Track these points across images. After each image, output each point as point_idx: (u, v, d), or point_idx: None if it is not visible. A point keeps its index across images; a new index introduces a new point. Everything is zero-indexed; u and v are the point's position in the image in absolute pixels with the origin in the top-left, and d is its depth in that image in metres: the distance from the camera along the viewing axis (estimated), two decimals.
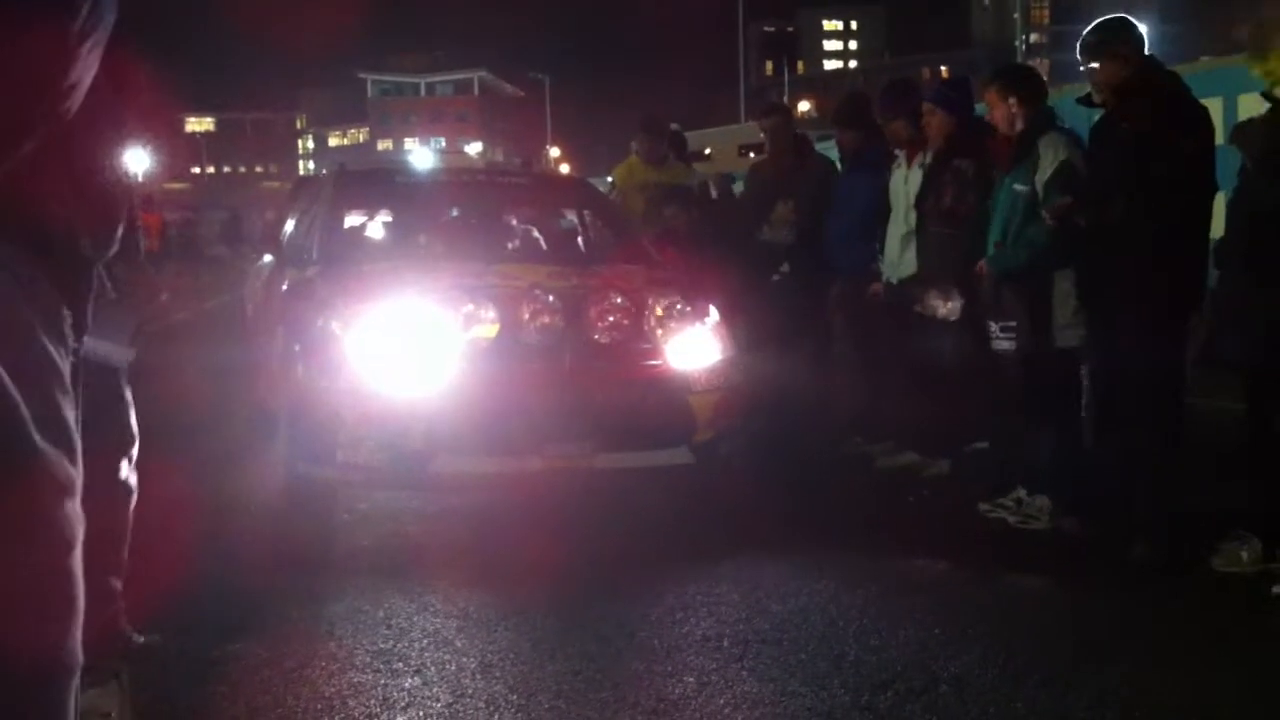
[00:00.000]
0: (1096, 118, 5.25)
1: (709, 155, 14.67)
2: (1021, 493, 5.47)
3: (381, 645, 3.92)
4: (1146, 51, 5.05)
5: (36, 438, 0.91)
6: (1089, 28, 5.16)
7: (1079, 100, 5.42)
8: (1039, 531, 5.28)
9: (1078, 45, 5.11)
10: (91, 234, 2.01)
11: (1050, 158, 5.26)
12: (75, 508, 0.98)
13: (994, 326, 5.47)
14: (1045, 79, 6.58)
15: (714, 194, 8.71)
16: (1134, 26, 5.10)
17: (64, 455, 0.94)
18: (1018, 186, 5.36)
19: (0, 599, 0.87)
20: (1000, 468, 5.73)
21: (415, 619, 4.17)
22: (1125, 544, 4.86)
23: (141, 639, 3.60)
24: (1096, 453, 5.31)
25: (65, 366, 0.99)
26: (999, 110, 5.53)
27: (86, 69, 1.24)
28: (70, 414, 0.98)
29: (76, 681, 1.11)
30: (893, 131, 6.74)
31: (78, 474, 1.01)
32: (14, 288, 0.94)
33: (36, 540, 0.93)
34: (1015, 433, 5.64)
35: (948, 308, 5.94)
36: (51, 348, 0.95)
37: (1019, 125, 5.46)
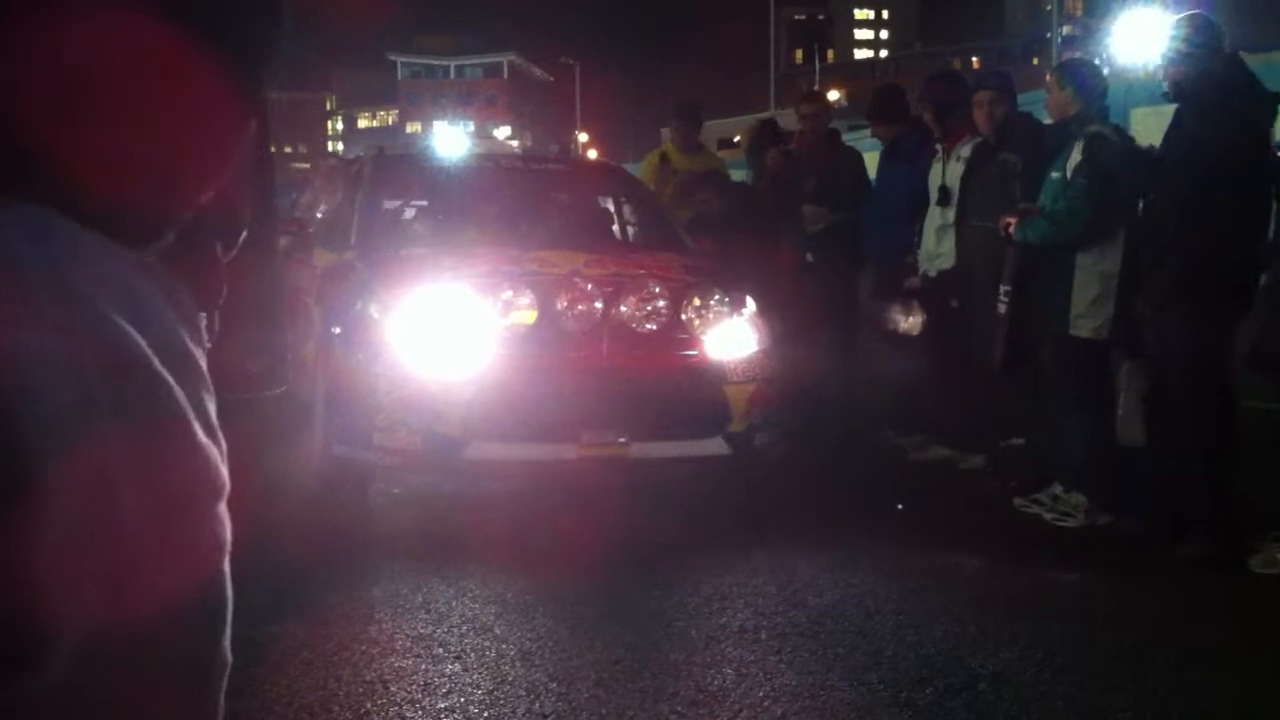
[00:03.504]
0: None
1: (738, 143, 14.61)
2: (1058, 489, 5.45)
3: (421, 630, 3.94)
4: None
5: (200, 436, 0.92)
6: (1175, 19, 5.13)
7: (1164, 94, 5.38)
8: (1073, 529, 5.26)
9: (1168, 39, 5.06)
10: (221, 234, 2.04)
11: (1080, 146, 5.26)
12: (225, 510, 1.00)
13: (1001, 289, 5.47)
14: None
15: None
16: (1209, 23, 5.02)
17: (218, 455, 0.96)
18: (1054, 174, 5.37)
19: (163, 602, 0.88)
20: (1036, 463, 5.72)
21: (454, 604, 4.19)
22: (1167, 540, 4.84)
23: None
24: (1149, 447, 5.28)
25: (205, 368, 1.01)
26: (1055, 98, 5.52)
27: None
28: (215, 416, 1.00)
29: (226, 681, 1.14)
30: (879, 134, 6.91)
31: (226, 476, 1.04)
32: (162, 295, 0.95)
33: (199, 543, 0.94)
34: (1051, 428, 5.62)
35: (909, 323, 5.96)
36: (195, 350, 0.96)
37: (1069, 112, 5.45)
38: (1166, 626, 4.15)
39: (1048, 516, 5.39)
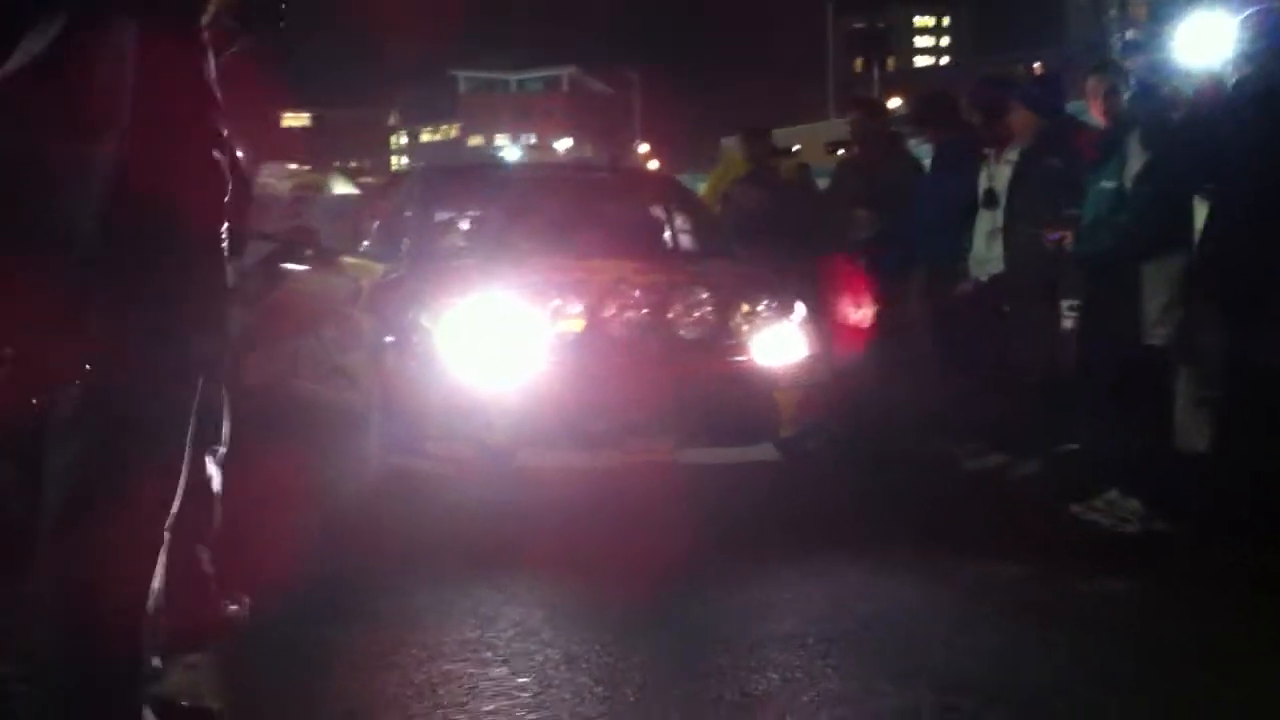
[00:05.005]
0: None
1: (797, 152, 14.65)
2: (1114, 494, 5.38)
3: (469, 634, 3.96)
4: None
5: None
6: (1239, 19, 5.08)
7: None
8: (1131, 535, 5.19)
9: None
10: (231, 233, 2.09)
11: (1138, 153, 5.18)
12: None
13: (1064, 305, 5.42)
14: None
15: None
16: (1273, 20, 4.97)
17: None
18: (1105, 184, 5.29)
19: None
20: (1092, 469, 5.65)
21: (502, 609, 4.21)
22: (1226, 547, 4.76)
23: (234, 607, 3.69)
24: (1210, 452, 5.21)
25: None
26: (1099, 102, 5.47)
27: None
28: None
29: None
30: (927, 139, 7.05)
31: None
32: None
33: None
34: (1107, 433, 5.55)
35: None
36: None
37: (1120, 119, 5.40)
38: (1223, 637, 4.06)
39: (1104, 522, 5.32)
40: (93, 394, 2.11)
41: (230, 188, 2.20)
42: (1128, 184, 5.23)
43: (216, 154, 2.14)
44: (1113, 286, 5.36)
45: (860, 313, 6.92)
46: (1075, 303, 5.45)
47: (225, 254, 2.23)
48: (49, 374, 2.08)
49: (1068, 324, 5.48)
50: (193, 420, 2.31)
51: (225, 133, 2.20)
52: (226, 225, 2.22)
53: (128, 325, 2.05)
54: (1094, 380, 5.58)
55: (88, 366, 2.01)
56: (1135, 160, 5.21)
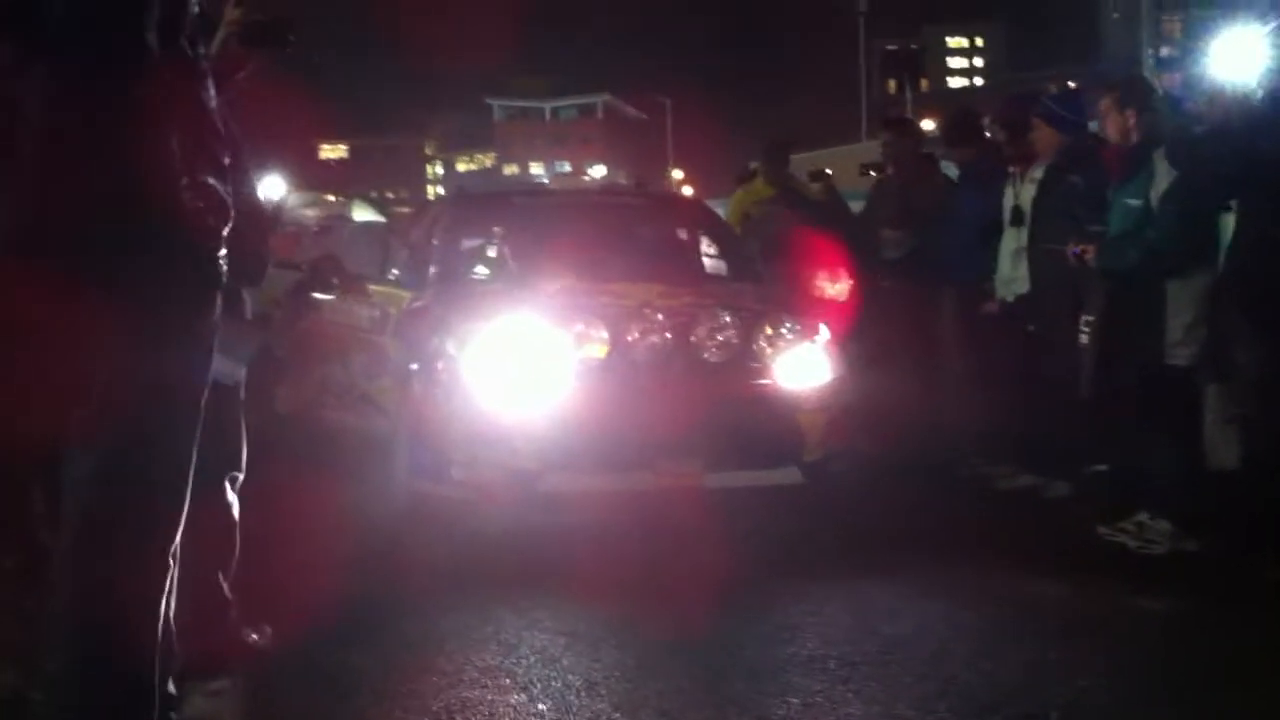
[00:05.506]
0: None
1: (829, 175, 14.63)
2: (1144, 516, 5.32)
3: (490, 661, 3.96)
4: None
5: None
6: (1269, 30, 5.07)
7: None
8: (1159, 556, 5.13)
9: None
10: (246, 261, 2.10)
11: (1165, 170, 5.14)
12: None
13: (1082, 320, 5.37)
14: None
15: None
16: None
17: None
18: (1130, 201, 5.25)
19: None
20: (1121, 490, 5.59)
21: (524, 635, 4.21)
22: (1256, 565, 4.70)
23: (255, 636, 3.70)
24: (1246, 470, 5.15)
25: None
26: (1114, 121, 5.43)
27: None
28: None
29: None
30: (954, 158, 6.98)
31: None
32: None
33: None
34: (1137, 454, 5.50)
35: None
36: None
37: (1134, 138, 5.35)
38: (1252, 656, 4.01)
39: (1132, 544, 5.26)
40: (101, 415, 2.13)
41: (232, 216, 2.22)
42: (1154, 201, 5.19)
43: (213, 181, 2.16)
44: (1137, 303, 5.32)
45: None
46: (1091, 319, 5.40)
47: (222, 280, 2.24)
48: (61, 398, 2.11)
49: (1083, 339, 5.43)
50: (196, 446, 2.32)
51: (228, 161, 2.22)
52: (227, 252, 2.24)
53: (126, 347, 2.08)
54: (1119, 400, 5.53)
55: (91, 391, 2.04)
56: (1163, 177, 5.17)
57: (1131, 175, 5.32)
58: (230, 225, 2.23)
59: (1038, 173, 6.20)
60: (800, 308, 5.76)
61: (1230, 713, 3.50)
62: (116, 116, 1.99)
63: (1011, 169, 6.49)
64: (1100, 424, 5.78)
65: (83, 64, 1.94)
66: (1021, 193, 6.30)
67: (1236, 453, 5.35)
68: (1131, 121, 5.39)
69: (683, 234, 7.38)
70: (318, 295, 6.98)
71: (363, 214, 9.15)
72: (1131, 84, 5.81)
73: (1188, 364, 5.19)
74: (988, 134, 7.35)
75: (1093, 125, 6.15)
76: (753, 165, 9.43)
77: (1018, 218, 6.31)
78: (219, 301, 2.30)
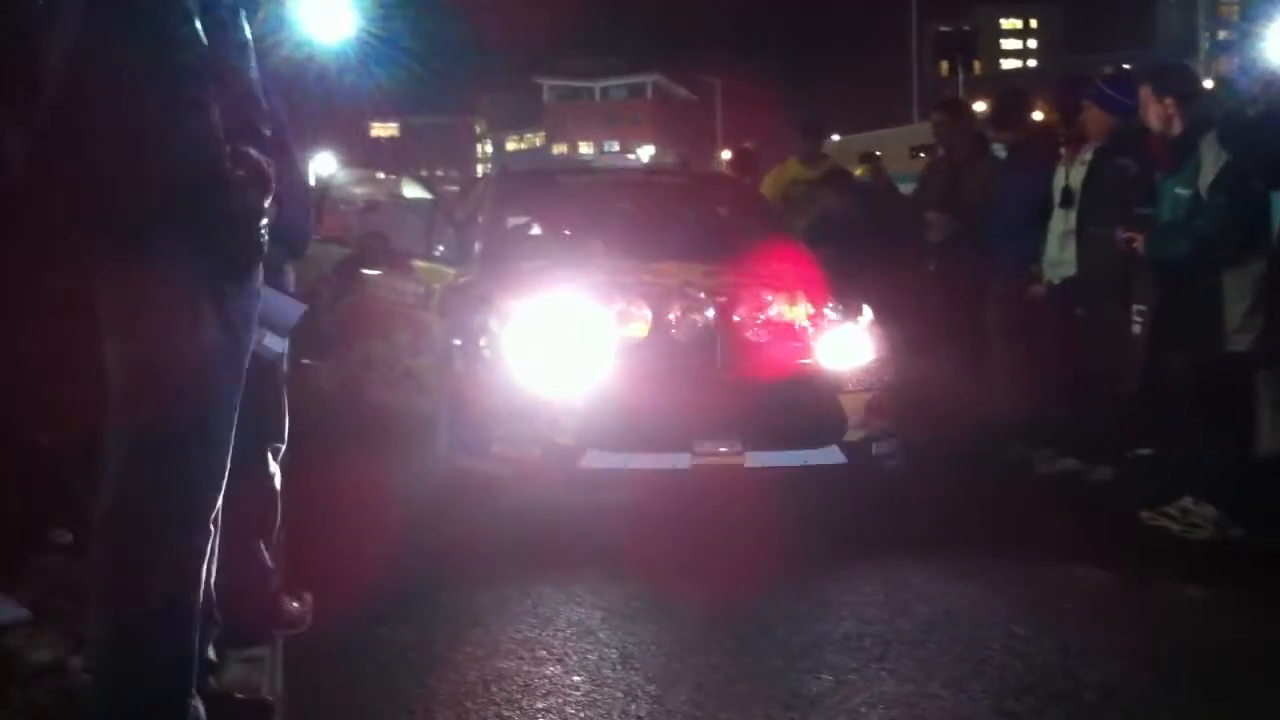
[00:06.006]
0: None
1: (879, 157, 14.52)
2: (1188, 501, 5.27)
3: (527, 634, 4.00)
4: None
5: None
6: None
7: None
8: (1202, 541, 5.08)
9: None
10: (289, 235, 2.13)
11: (1212, 159, 5.08)
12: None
13: (1134, 309, 5.29)
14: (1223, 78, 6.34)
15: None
16: None
17: None
18: (1179, 190, 5.20)
19: None
20: (1166, 475, 5.54)
21: (561, 609, 4.24)
22: None
23: (296, 605, 3.75)
24: None
25: None
26: (1154, 110, 5.37)
27: None
28: None
29: None
30: (1002, 140, 7.00)
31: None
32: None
33: None
34: (1182, 439, 5.45)
35: None
36: None
37: (1176, 127, 5.29)
38: None
39: (1175, 529, 5.22)
40: (139, 388, 2.17)
41: (273, 187, 2.24)
42: (1203, 190, 5.13)
43: (254, 152, 2.19)
44: (1191, 293, 5.26)
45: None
46: (1143, 308, 5.35)
47: (263, 251, 2.27)
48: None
49: (1136, 329, 5.37)
50: (235, 418, 2.36)
51: (269, 132, 2.25)
52: (269, 223, 2.27)
53: (166, 319, 2.11)
54: (1170, 387, 5.47)
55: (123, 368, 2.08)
56: (1210, 166, 5.11)
57: (1179, 164, 5.27)
58: (272, 196, 2.26)
59: (1088, 155, 6.15)
60: (843, 288, 5.75)
61: (1267, 701, 3.47)
62: (158, 85, 2.02)
63: (1063, 150, 6.43)
64: (1148, 409, 5.73)
65: (121, 32, 1.97)
66: (1071, 174, 6.24)
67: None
68: (1172, 110, 5.33)
69: (726, 213, 7.37)
70: (365, 271, 7.07)
71: (412, 191, 9.19)
72: (1168, 71, 5.72)
73: (1247, 350, 5.14)
74: (1037, 116, 7.29)
75: None
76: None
77: (1067, 199, 6.25)
78: (260, 273, 2.33)
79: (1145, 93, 5.45)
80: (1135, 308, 5.42)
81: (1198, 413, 5.30)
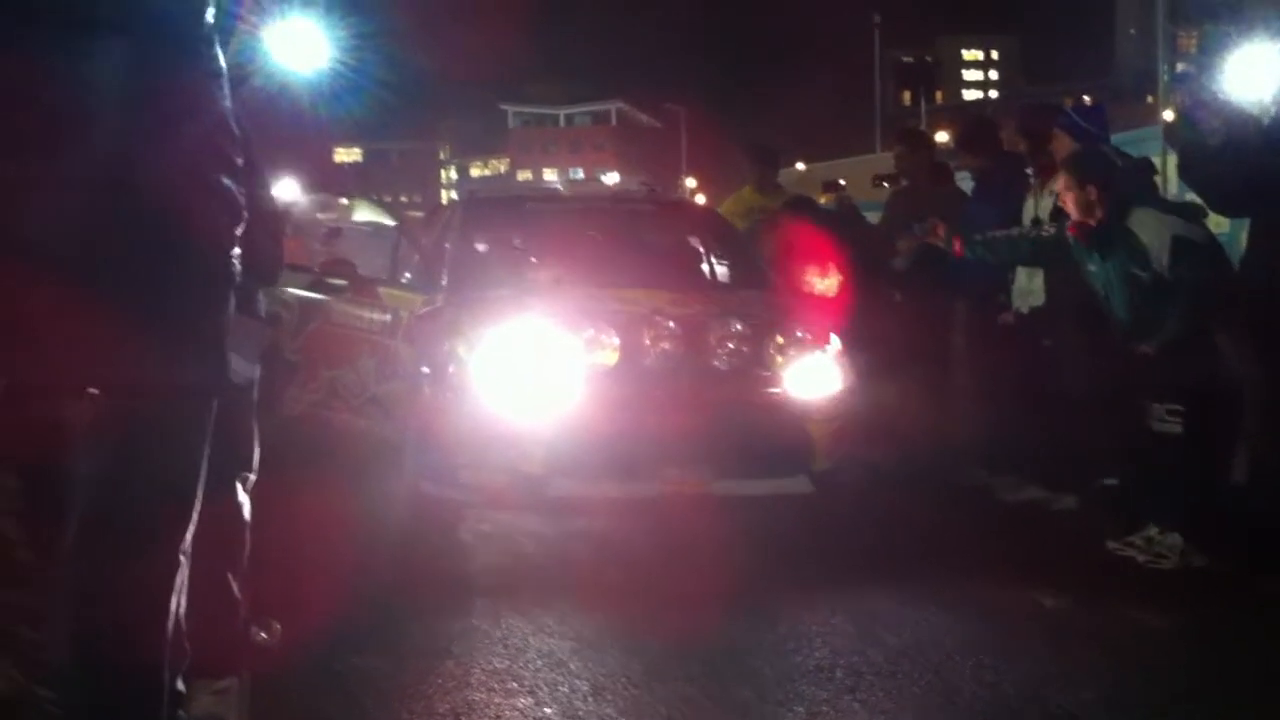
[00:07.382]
0: None
1: (843, 185, 14.61)
2: (1153, 530, 5.30)
3: (497, 665, 3.97)
4: None
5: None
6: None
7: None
8: (1167, 570, 5.11)
9: None
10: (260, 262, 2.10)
11: (1155, 237, 5.15)
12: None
13: (1158, 408, 5.21)
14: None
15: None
16: None
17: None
18: (1137, 272, 5.23)
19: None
20: (1132, 504, 5.57)
21: (531, 639, 4.21)
22: (1265, 581, 4.69)
23: (264, 636, 3.70)
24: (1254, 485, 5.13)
25: None
26: (1075, 198, 5.41)
27: None
28: None
29: None
30: (966, 166, 7.10)
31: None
32: None
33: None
34: (1148, 469, 5.47)
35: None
36: None
37: (1099, 213, 5.35)
38: (1259, 673, 4.00)
39: (1141, 559, 5.25)
40: (111, 415, 2.13)
41: (245, 216, 2.22)
42: (1163, 271, 5.14)
43: (227, 181, 2.17)
44: (1189, 342, 5.28)
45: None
46: (1177, 408, 5.17)
47: (234, 281, 2.25)
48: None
49: (1168, 428, 5.18)
50: (208, 444, 2.32)
51: (240, 161, 2.23)
52: (241, 252, 2.24)
53: (137, 347, 2.08)
54: (1139, 419, 5.50)
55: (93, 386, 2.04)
56: (1158, 248, 5.13)
57: (1104, 247, 5.34)
58: (244, 225, 2.23)
59: (1056, 184, 6.19)
60: (811, 316, 5.76)
61: None
62: (130, 115, 2.00)
63: (1032, 180, 6.49)
64: (1108, 435, 5.77)
65: (94, 58, 1.96)
66: (1040, 204, 6.29)
67: (1244, 468, 5.34)
68: (1094, 197, 5.37)
69: (694, 241, 7.38)
70: (327, 298, 7.02)
71: (366, 215, 9.16)
72: (1086, 160, 5.67)
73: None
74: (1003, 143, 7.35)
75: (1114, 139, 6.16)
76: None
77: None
78: (232, 301, 2.31)
79: (1065, 181, 5.50)
80: (1162, 408, 5.29)
81: (1161, 441, 5.33)
